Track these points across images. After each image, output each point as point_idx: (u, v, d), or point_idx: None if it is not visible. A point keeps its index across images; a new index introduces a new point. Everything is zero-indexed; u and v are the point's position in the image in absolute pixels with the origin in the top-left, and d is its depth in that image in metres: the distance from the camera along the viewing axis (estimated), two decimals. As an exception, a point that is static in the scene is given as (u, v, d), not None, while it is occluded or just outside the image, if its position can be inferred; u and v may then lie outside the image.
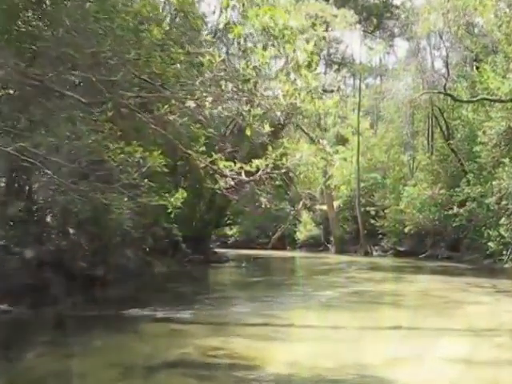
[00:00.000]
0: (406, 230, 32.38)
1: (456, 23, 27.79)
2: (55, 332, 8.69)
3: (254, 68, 7.21)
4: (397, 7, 33.20)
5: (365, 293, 14.57)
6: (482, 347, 7.82)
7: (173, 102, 8.52)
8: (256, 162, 8.05)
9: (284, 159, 8.10)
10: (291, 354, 7.33)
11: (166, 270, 19.74)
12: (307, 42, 7.13)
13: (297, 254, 40.97)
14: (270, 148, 8.19)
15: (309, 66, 7.25)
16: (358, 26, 26.96)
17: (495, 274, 20.60)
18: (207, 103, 8.09)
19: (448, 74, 28.38)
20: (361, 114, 42.46)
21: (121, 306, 11.56)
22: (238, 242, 48.58)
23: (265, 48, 7.14)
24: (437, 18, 26.69)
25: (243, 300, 12.79)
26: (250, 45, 7.62)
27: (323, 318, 10.35)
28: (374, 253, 37.26)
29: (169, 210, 9.23)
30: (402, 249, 35.38)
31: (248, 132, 8.32)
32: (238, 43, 8.40)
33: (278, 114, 8.70)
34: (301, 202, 45.69)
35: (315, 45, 7.87)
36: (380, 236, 37.65)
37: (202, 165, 8.19)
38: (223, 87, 7.67)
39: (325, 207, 43.38)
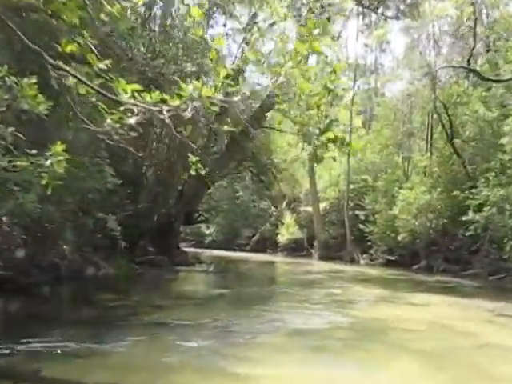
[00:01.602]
0: (400, 237, 28.23)
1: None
2: None
3: None
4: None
5: (358, 322, 10.34)
6: None
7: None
8: (189, 88, 3.93)
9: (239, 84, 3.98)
10: None
11: (114, 273, 15.63)
12: None
13: (277, 258, 36.64)
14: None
15: None
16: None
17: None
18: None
19: (474, 46, 23.85)
20: (353, 112, 38.55)
21: (14, 330, 7.47)
22: (216, 242, 44.38)
23: None
24: None
25: (190, 329, 8.56)
26: None
27: (297, 374, 6.19)
28: (362, 261, 33.16)
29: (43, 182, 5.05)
30: (392, 258, 31.33)
31: None
32: None
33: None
34: (284, 202, 41.84)
35: None
36: (369, 243, 33.46)
37: (71, 81, 3.92)
38: None
39: (310, 209, 39.35)
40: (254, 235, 43.84)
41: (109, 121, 3.89)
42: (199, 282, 18.09)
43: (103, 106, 3.90)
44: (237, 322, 9.33)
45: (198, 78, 21.86)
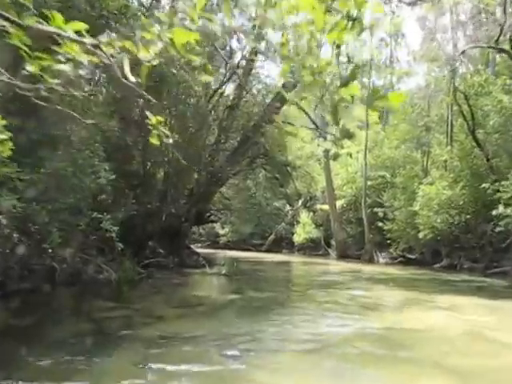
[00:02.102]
0: (421, 235, 26.82)
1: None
2: None
3: None
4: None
5: (384, 331, 8.95)
6: None
7: None
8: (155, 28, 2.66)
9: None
10: None
11: (118, 277, 14.42)
12: None
13: (294, 258, 35.21)
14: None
15: None
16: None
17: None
18: None
19: (505, 22, 22.07)
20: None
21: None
22: (230, 242, 43.22)
23: None
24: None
25: (193, 345, 7.23)
26: None
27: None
28: (381, 260, 31.72)
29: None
30: (412, 256, 29.93)
31: None
32: None
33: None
34: (300, 201, 40.54)
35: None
36: (388, 241, 32.00)
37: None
38: None
39: (326, 207, 37.97)
40: (269, 235, 42.59)
41: (30, 68, 2.59)
42: (209, 286, 16.62)
43: (25, 50, 2.61)
44: (249, 335, 7.99)
45: (205, 69, 20.64)
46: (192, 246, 26.99)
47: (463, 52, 26.02)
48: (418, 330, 9.04)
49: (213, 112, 20.82)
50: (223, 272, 18.53)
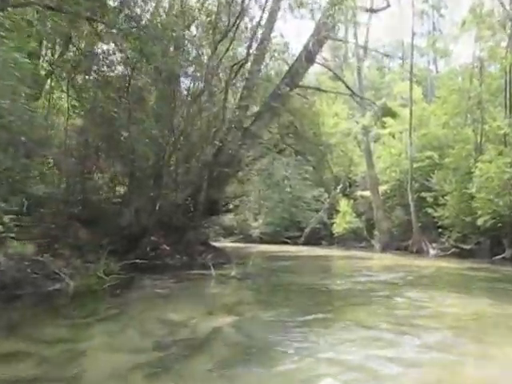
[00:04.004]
0: (479, 221, 22.19)
1: None
2: None
3: None
4: None
5: None
6: None
7: None
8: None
9: None
10: None
11: (87, 285, 10.40)
12: None
13: (333, 251, 30.61)
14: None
15: None
16: None
17: None
18: None
19: None
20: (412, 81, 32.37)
21: None
22: (264, 235, 38.98)
23: None
24: None
25: None
26: None
27: None
28: (431, 251, 27.12)
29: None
30: (467, 247, 25.21)
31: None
32: None
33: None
34: (338, 187, 36.18)
35: None
36: (439, 230, 27.38)
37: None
38: None
39: (368, 193, 33.59)
40: (306, 226, 38.20)
41: None
42: (202, 298, 10.72)
43: None
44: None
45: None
46: (212, 241, 22.91)
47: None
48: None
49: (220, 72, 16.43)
50: (233, 274, 14.12)
